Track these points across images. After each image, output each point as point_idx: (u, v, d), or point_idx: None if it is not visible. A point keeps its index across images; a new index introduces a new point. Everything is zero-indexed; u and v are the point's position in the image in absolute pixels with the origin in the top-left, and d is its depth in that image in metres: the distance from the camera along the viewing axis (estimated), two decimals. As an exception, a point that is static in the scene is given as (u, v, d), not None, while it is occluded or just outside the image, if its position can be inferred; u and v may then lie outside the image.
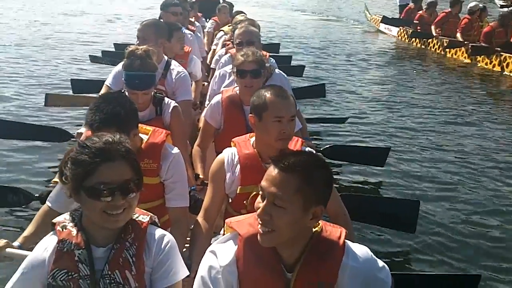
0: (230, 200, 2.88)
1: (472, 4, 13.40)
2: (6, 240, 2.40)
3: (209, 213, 2.77)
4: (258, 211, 1.77)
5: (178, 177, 2.84)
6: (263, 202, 1.77)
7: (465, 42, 13.03)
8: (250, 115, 2.77)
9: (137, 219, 1.88)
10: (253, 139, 2.85)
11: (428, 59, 13.93)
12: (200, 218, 2.78)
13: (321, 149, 5.56)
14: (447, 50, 13.82)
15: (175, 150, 2.85)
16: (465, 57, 13.25)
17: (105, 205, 1.71)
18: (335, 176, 5.94)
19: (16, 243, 2.46)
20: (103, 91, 4.45)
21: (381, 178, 6.04)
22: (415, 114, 8.71)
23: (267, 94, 2.73)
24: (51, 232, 1.87)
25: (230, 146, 2.89)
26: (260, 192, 1.81)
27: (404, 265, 4.27)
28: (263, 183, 1.79)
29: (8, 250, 2.37)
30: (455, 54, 13.64)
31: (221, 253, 1.84)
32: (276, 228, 1.75)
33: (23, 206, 4.12)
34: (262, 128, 2.70)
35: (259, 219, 1.78)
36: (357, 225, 4.46)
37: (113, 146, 1.73)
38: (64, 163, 1.79)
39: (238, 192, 2.76)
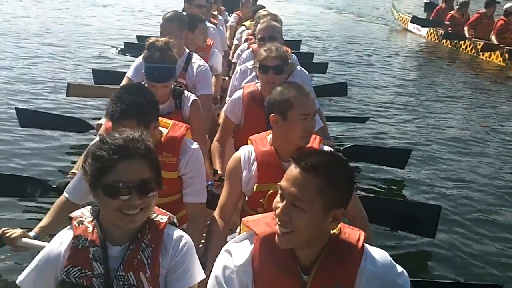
0: (246, 198, 2.85)
1: (508, 5, 12.83)
2: (22, 230, 2.40)
3: (225, 210, 2.75)
4: (277, 211, 1.73)
5: (196, 173, 2.81)
6: (282, 202, 1.73)
7: (500, 45, 12.59)
8: (272, 114, 2.70)
9: (155, 219, 1.84)
10: (270, 136, 2.81)
11: (459, 61, 13.45)
12: (216, 215, 2.75)
13: (341, 148, 5.50)
14: (481, 53, 13.33)
15: (195, 145, 2.82)
16: (499, 61, 12.76)
17: (121, 204, 1.67)
18: (355, 178, 5.84)
19: (32, 233, 2.45)
20: (124, 82, 4.44)
21: (401, 180, 5.94)
22: (440, 117, 8.54)
23: (290, 92, 2.68)
24: (68, 227, 1.84)
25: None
26: (279, 192, 1.76)
27: (423, 271, 4.18)
28: (283, 183, 1.74)
29: (24, 240, 2.36)
30: (489, 57, 13.14)
31: (237, 252, 1.80)
32: (295, 229, 1.71)
33: (40, 197, 4.11)
34: (287, 127, 2.65)
35: (277, 220, 1.73)
36: (375, 228, 4.41)
37: (133, 144, 1.69)
38: (85, 156, 1.75)
39: (254, 190, 2.72)
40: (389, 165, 5.91)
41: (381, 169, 6.06)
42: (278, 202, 1.75)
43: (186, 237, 1.87)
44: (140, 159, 1.68)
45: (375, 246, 1.93)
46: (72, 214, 1.85)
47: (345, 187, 1.77)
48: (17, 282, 1.76)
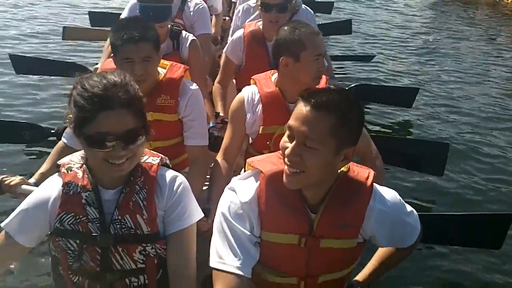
0: (250, 141, 2.77)
1: None
2: (21, 177, 2.32)
3: (229, 153, 2.67)
4: (287, 151, 1.65)
5: (196, 115, 2.69)
6: (291, 142, 1.65)
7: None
8: (283, 57, 2.53)
9: (146, 161, 1.76)
10: (274, 76, 2.69)
11: (479, 6, 13.02)
12: (219, 158, 2.68)
13: (347, 88, 5.37)
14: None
15: (194, 86, 2.70)
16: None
17: (106, 154, 1.58)
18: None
19: (32, 180, 2.38)
20: None
21: (408, 119, 5.85)
22: (449, 56, 8.38)
23: (302, 32, 2.53)
24: (56, 174, 1.76)
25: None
26: (287, 132, 1.68)
27: (432, 207, 4.15)
28: (293, 122, 1.65)
29: (24, 187, 2.29)
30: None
31: (241, 190, 1.74)
32: (306, 170, 1.64)
33: (39, 142, 4.06)
34: (299, 69, 2.52)
35: (286, 160, 1.66)
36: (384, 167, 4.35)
37: (114, 93, 1.56)
38: (69, 101, 1.64)
39: (260, 132, 2.64)
40: (396, 104, 5.82)
41: (388, 108, 5.96)
42: (286, 142, 1.67)
43: (181, 177, 1.80)
44: (122, 109, 1.57)
45: (384, 185, 1.88)
46: (60, 162, 1.76)
47: (356, 125, 1.70)
48: (2, 225, 1.69)
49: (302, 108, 1.63)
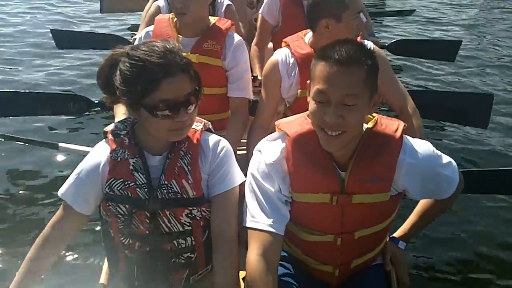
0: (287, 104, 2.73)
1: None
2: None
3: (264, 118, 2.66)
4: (327, 117, 1.61)
5: (241, 66, 2.71)
6: (327, 107, 1.61)
7: None
8: (324, 19, 2.44)
9: None
10: (307, 37, 2.62)
11: None
12: (255, 123, 2.68)
13: (387, 44, 5.26)
14: None
15: (239, 38, 2.73)
16: None
17: (170, 123, 1.61)
18: (402, 73, 5.68)
19: None
20: None
21: (451, 73, 5.71)
22: (492, 8, 8.01)
23: None
24: (103, 140, 1.80)
25: None
26: (317, 98, 1.64)
27: (476, 162, 4.08)
28: (324, 86, 1.61)
29: None
30: None
31: (267, 151, 1.76)
32: (348, 129, 1.62)
33: (84, 113, 4.19)
34: (341, 29, 2.43)
35: (327, 125, 1.62)
36: (425, 122, 4.28)
37: (172, 59, 1.58)
38: (120, 76, 1.61)
39: (298, 95, 2.58)
40: (438, 58, 5.67)
41: (430, 63, 5.82)
42: (319, 109, 1.63)
43: (223, 142, 1.82)
44: (182, 74, 1.59)
45: (424, 139, 1.84)
46: (107, 128, 1.79)
47: (376, 68, 1.68)
48: (59, 194, 1.75)
49: (328, 69, 1.60)
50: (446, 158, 1.82)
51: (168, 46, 1.61)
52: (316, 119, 1.65)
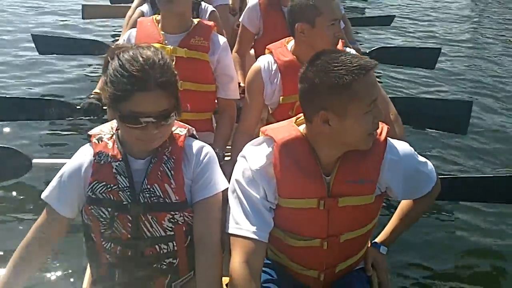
0: (270, 111, 2.74)
1: None
2: None
3: (248, 124, 2.67)
4: (380, 116, 1.68)
5: (229, 67, 2.75)
6: (374, 107, 1.65)
7: None
8: (298, 24, 2.48)
9: (174, 132, 1.79)
10: (290, 44, 2.64)
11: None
12: (239, 130, 2.69)
13: (367, 51, 5.31)
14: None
15: (224, 39, 2.76)
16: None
17: (139, 133, 1.62)
18: (383, 80, 5.75)
19: None
20: (135, 3, 4.34)
21: (431, 81, 5.79)
22: (469, 17, 8.16)
23: None
24: (87, 144, 1.79)
25: None
26: (373, 103, 1.64)
27: (454, 168, 4.13)
28: (374, 93, 1.63)
29: None
30: None
31: (253, 157, 1.77)
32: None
33: (66, 118, 4.09)
34: (316, 35, 2.46)
35: (380, 123, 1.70)
36: (405, 129, 4.33)
37: (151, 74, 1.56)
38: (105, 75, 1.64)
39: (280, 102, 2.61)
40: (418, 65, 5.72)
41: (410, 70, 5.90)
42: (369, 116, 1.65)
43: (207, 148, 1.83)
44: (157, 91, 1.58)
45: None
46: (91, 132, 1.80)
47: None
48: (43, 197, 1.74)
49: (368, 79, 1.61)
50: (422, 158, 1.89)
51: (154, 59, 1.59)
52: (369, 127, 1.67)
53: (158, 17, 2.74)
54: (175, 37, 2.66)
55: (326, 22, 2.45)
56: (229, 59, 2.76)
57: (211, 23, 2.77)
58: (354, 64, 1.59)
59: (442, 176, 1.99)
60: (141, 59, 1.58)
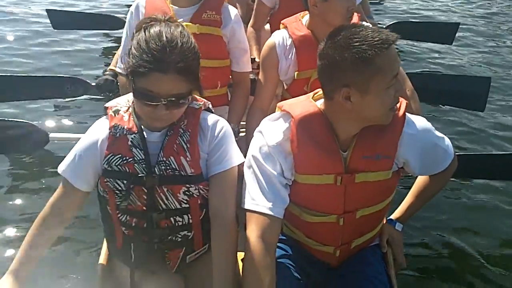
0: (285, 86, 2.73)
1: None
2: None
3: (262, 100, 2.66)
4: (400, 90, 1.66)
5: (242, 40, 2.72)
6: (396, 82, 1.62)
7: None
8: None
9: (190, 105, 1.78)
10: (305, 19, 2.61)
11: None
12: (254, 106, 2.68)
13: (384, 27, 5.23)
14: None
15: (235, 11, 2.71)
16: None
17: (149, 110, 1.62)
18: (399, 55, 5.66)
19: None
20: None
21: (449, 56, 5.70)
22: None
23: None
24: (104, 117, 1.80)
25: None
26: (395, 79, 1.60)
27: (472, 145, 4.09)
28: (395, 68, 1.59)
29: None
30: None
31: (270, 132, 1.75)
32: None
33: (81, 96, 4.14)
34: (328, 8, 2.42)
35: (397, 102, 1.66)
36: (423, 106, 4.28)
37: (170, 57, 1.55)
38: (132, 39, 1.64)
39: (295, 77, 2.59)
40: (436, 41, 5.67)
41: (428, 45, 5.80)
42: (391, 91, 1.61)
43: (223, 122, 1.82)
44: (175, 75, 1.57)
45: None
46: (107, 104, 1.81)
47: None
48: (59, 171, 1.75)
49: (390, 53, 1.56)
50: (440, 134, 1.87)
51: (178, 41, 1.58)
52: (390, 101, 1.64)
53: None
54: (186, 10, 2.61)
55: None
56: (241, 31, 2.72)
57: None
58: (376, 39, 1.54)
59: (458, 153, 1.95)
60: (165, 38, 1.57)
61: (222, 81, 2.80)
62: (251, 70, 2.83)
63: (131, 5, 2.81)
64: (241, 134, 2.75)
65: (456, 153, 1.95)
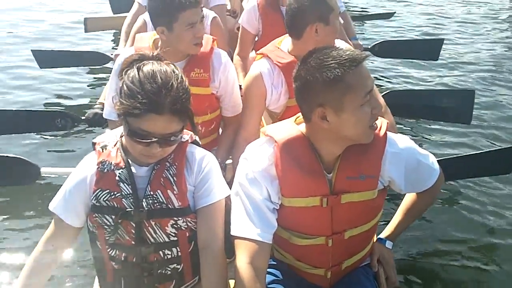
0: (276, 116, 2.67)
1: None
2: None
3: (249, 131, 2.60)
4: (378, 106, 1.66)
5: (233, 87, 2.67)
6: (371, 98, 1.64)
7: None
8: (313, 24, 2.40)
9: None
10: (284, 45, 2.60)
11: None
12: (240, 138, 2.62)
13: (369, 46, 5.31)
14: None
15: (225, 56, 2.65)
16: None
17: (142, 149, 1.64)
18: (386, 74, 5.73)
19: None
20: (134, 10, 4.37)
21: (435, 72, 5.77)
22: (471, 4, 8.14)
23: None
24: (92, 152, 1.82)
25: None
26: (370, 94, 1.62)
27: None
28: (369, 84, 1.62)
29: None
30: None
31: (255, 158, 1.76)
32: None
33: (71, 129, 4.15)
34: (329, 32, 2.43)
35: (374, 119, 1.67)
36: (410, 122, 4.35)
37: (165, 99, 1.56)
38: (121, 78, 1.65)
39: (288, 105, 2.56)
40: (422, 58, 5.74)
41: (413, 63, 5.88)
42: (367, 109, 1.63)
43: (209, 155, 1.84)
44: (169, 115, 1.59)
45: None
46: (95, 140, 1.82)
47: None
48: (50, 208, 1.77)
49: (361, 71, 1.60)
50: (424, 151, 1.89)
51: (173, 82, 1.60)
52: (368, 120, 1.65)
53: (156, 36, 2.59)
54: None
55: (336, 16, 2.44)
56: (232, 78, 2.67)
57: (209, 41, 2.62)
58: (345, 57, 1.59)
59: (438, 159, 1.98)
60: (160, 80, 1.58)
61: (214, 128, 2.80)
62: (241, 107, 2.74)
63: (113, 40, 2.83)
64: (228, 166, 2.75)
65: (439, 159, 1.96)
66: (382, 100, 2.79)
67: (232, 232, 1.72)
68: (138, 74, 1.60)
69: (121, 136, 1.78)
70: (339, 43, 2.61)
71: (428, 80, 5.61)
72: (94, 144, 1.81)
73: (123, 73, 1.65)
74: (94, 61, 5.39)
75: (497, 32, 7.03)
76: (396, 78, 5.61)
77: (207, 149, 1.93)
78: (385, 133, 1.77)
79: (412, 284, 2.83)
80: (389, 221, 2.13)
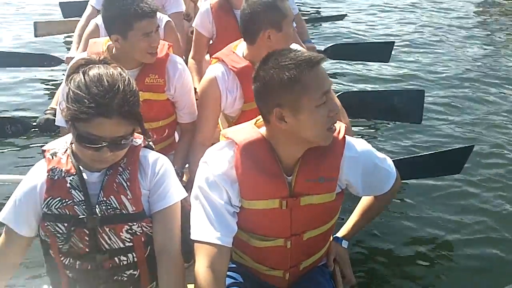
0: (232, 120, 2.68)
1: None
2: None
3: (204, 135, 2.59)
4: (335, 108, 1.67)
5: (188, 93, 2.66)
6: (328, 100, 1.65)
7: None
8: (266, 31, 2.41)
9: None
10: (239, 49, 2.60)
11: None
12: (197, 141, 2.60)
13: (323, 49, 5.37)
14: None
15: (180, 62, 2.64)
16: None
17: (92, 154, 1.61)
18: (339, 76, 5.82)
19: None
20: (87, 13, 4.30)
21: (386, 73, 5.90)
22: (422, 8, 8.36)
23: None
24: (42, 160, 1.77)
25: None
26: (326, 95, 1.64)
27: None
28: (326, 85, 1.64)
29: None
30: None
31: (215, 161, 1.76)
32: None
33: (22, 136, 4.05)
34: (282, 38, 2.43)
35: (332, 122, 1.68)
36: (362, 122, 4.45)
37: (113, 102, 1.54)
38: (67, 91, 1.59)
39: (243, 109, 2.57)
40: (373, 59, 5.83)
41: (365, 65, 5.99)
42: (324, 110, 1.64)
43: (163, 158, 1.82)
44: (118, 118, 1.56)
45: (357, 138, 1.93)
46: (45, 147, 1.78)
47: None
48: (0, 219, 1.71)
49: (318, 71, 1.63)
50: (381, 154, 1.92)
51: (120, 85, 1.57)
52: (326, 121, 1.67)
53: (109, 42, 2.54)
54: (128, 73, 2.57)
55: (289, 23, 2.45)
56: (188, 84, 2.66)
57: (165, 46, 2.60)
58: (302, 58, 1.62)
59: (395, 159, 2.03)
60: (106, 83, 1.55)
61: (169, 133, 2.78)
62: (196, 114, 2.74)
63: (69, 46, 2.77)
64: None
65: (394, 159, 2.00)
66: (338, 102, 2.83)
67: (192, 236, 1.71)
68: (84, 78, 1.57)
69: (71, 143, 1.74)
70: (294, 47, 2.63)
71: (380, 82, 5.72)
72: (44, 151, 1.76)
73: (69, 79, 1.61)
74: (45, 63, 5.24)
75: (447, 33, 7.23)
76: (350, 80, 5.70)
77: (166, 153, 1.91)
78: (344, 137, 1.79)
79: (369, 282, 2.88)
80: (345, 219, 2.16)
